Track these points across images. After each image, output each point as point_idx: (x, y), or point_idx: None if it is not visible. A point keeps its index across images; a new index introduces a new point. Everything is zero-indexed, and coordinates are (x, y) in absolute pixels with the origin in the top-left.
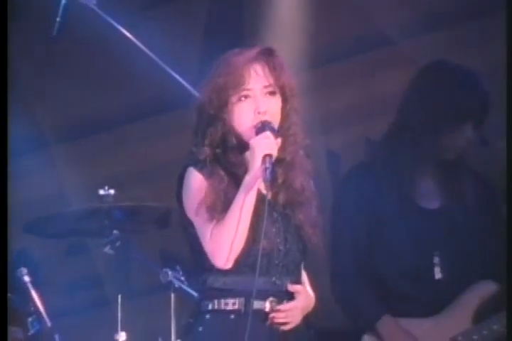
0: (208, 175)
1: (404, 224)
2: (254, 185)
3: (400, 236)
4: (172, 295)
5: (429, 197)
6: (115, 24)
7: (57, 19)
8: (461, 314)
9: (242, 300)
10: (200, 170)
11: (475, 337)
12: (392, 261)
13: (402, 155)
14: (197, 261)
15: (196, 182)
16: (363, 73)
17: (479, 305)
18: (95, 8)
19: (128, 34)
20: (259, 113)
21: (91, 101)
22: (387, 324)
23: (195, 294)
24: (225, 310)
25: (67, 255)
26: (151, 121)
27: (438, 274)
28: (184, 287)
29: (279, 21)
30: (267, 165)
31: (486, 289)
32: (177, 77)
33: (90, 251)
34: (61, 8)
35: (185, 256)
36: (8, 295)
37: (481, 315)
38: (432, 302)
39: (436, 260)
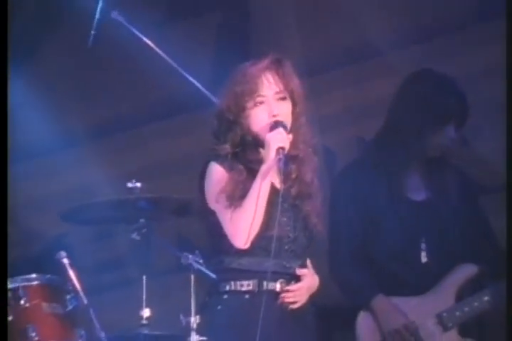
0: (229, 169)
1: (394, 214)
2: (268, 174)
3: (390, 225)
4: (192, 276)
5: (416, 190)
6: (139, 35)
7: (92, 32)
8: (445, 293)
9: (256, 281)
10: (221, 163)
11: (458, 313)
12: (383, 247)
13: (392, 154)
14: (216, 245)
15: (218, 174)
16: (355, 81)
17: (461, 285)
18: (124, 22)
19: (151, 44)
20: (273, 116)
21: (120, 103)
22: (380, 302)
23: (213, 276)
24: (240, 290)
25: (98, 240)
26: (172, 121)
27: (424, 258)
28: (202, 269)
29: (280, 35)
30: (281, 156)
31: (467, 271)
32: (195, 82)
33: (118, 237)
34: (95, 22)
35: (202, 242)
36: (48, 275)
37: (462, 294)
38: (419, 282)
39: (422, 246)
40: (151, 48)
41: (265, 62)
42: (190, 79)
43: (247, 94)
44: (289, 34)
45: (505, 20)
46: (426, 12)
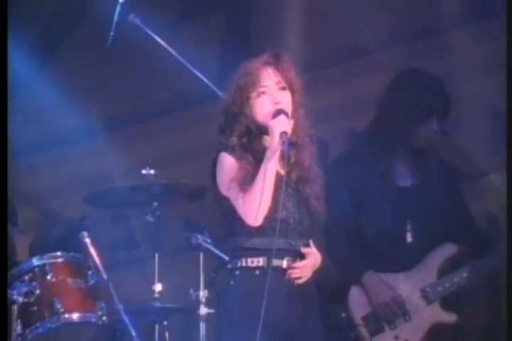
0: (238, 158)
1: (383, 198)
2: (274, 156)
3: (380, 208)
4: (201, 255)
5: (403, 177)
6: (153, 35)
7: (111, 33)
8: (428, 270)
9: (265, 258)
10: (231, 154)
11: (440, 288)
12: (373, 228)
13: (381, 144)
14: (230, 227)
15: (228, 163)
16: (348, 78)
17: (443, 263)
18: (140, 24)
19: (164, 44)
20: (275, 103)
21: (135, 98)
22: (370, 277)
23: (220, 254)
24: (250, 266)
25: (115, 222)
26: (183, 114)
27: (410, 238)
28: (210, 248)
29: (279, 35)
30: (284, 139)
31: (447, 250)
32: (204, 79)
33: (134, 219)
34: (114, 24)
35: (210, 223)
36: (72, 253)
37: (444, 271)
38: (405, 260)
39: (408, 227)
40: (164, 48)
41: (265, 56)
42: (200, 75)
43: (250, 85)
44: (287, 34)
45: (504, 18)
46: (413, 14)
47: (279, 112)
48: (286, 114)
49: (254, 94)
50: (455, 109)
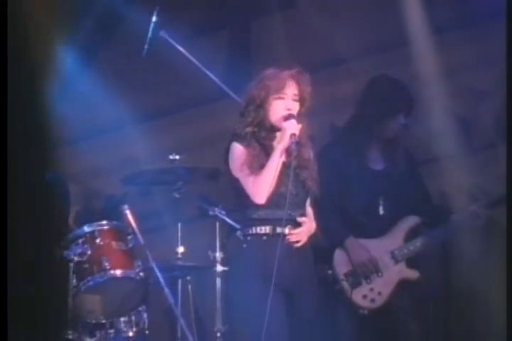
0: (246, 146)
1: (361, 179)
2: (282, 151)
3: (357, 187)
4: (217, 223)
5: (376, 162)
6: (177, 46)
7: (146, 46)
8: (396, 236)
9: (270, 227)
10: (241, 143)
11: (405, 250)
12: (353, 203)
13: (358, 136)
14: (239, 202)
15: (239, 150)
16: (331, 82)
17: (407, 231)
18: (169, 38)
19: (186, 53)
20: (287, 109)
21: (164, 96)
22: (350, 242)
23: (232, 223)
24: (259, 233)
25: (147, 197)
26: (201, 109)
27: (381, 211)
28: (225, 218)
29: (275, 46)
30: (293, 140)
31: (411, 221)
32: (218, 82)
33: (162, 195)
34: (148, 39)
35: (225, 199)
36: (115, 222)
37: (408, 237)
38: (378, 228)
39: (380, 202)
40: (185, 56)
41: (292, 70)
42: (217, 81)
43: (274, 89)
44: (281, 47)
45: (504, 21)
46: (383, 31)
47: (291, 117)
48: (295, 119)
49: (274, 96)
50: (416, 108)
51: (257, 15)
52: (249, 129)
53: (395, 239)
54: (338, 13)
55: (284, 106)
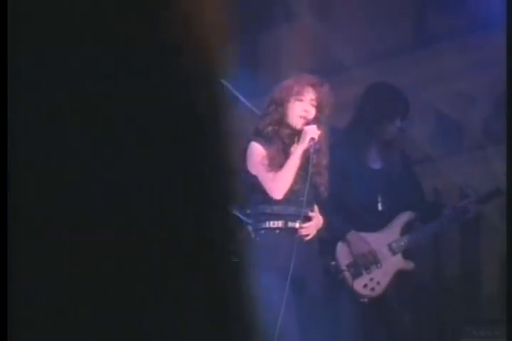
0: (264, 145)
1: (361, 177)
2: (301, 153)
3: (358, 185)
4: None
5: (375, 161)
6: None
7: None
8: (393, 230)
9: (282, 221)
10: (259, 142)
11: (401, 243)
12: (354, 199)
13: (358, 138)
14: (255, 198)
15: (257, 150)
16: (333, 87)
17: (403, 226)
18: None
19: None
20: (305, 111)
21: None
22: (352, 235)
23: (245, 219)
24: (272, 227)
25: None
26: None
27: (380, 207)
28: (237, 214)
29: (280, 56)
30: (312, 143)
31: (407, 216)
32: (236, 93)
33: None
34: None
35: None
36: None
37: (404, 231)
38: (377, 223)
39: (379, 199)
40: None
41: (315, 78)
42: (234, 92)
43: (294, 91)
44: (286, 57)
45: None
46: (379, 40)
47: (309, 121)
48: (315, 124)
49: (294, 99)
50: (411, 112)
51: (263, 26)
52: (270, 127)
53: (392, 233)
54: (339, 24)
55: (302, 107)
